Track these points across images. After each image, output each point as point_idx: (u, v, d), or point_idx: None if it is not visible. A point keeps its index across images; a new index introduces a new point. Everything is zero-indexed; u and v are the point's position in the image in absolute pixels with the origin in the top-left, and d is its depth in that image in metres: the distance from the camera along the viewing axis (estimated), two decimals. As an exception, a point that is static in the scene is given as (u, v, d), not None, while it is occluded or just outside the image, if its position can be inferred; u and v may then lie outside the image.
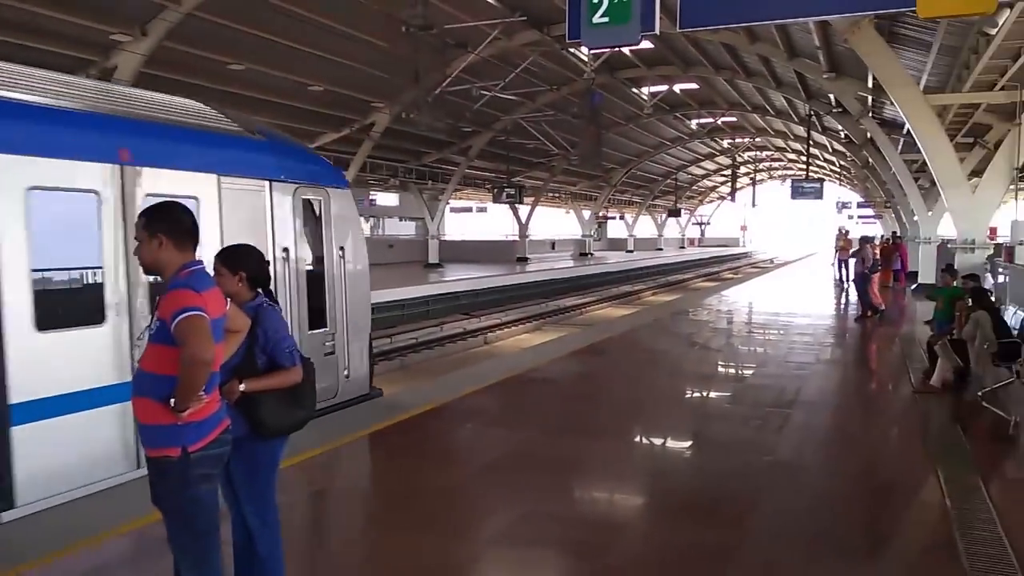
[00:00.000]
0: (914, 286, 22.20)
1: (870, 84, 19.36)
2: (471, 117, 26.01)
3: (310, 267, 7.62)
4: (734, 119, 38.07)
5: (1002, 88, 15.63)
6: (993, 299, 10.54)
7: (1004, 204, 19.74)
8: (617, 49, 19.61)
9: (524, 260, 42.83)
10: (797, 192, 28.30)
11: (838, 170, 50.65)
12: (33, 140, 5.13)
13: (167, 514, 3.01)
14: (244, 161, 6.91)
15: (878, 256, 17.37)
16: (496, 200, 34.66)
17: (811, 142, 33.06)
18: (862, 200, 55.01)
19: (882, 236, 43.58)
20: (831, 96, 24.22)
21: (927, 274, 20.89)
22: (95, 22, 14.98)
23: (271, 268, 5.72)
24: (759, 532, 4.66)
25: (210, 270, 3.26)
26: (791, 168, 56.52)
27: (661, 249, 65.69)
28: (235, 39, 17.27)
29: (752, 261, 68.21)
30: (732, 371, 10.59)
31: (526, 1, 18.63)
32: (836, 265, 25.41)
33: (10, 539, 4.46)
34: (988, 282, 13.27)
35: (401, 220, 49.05)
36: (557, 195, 49.06)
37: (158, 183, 5.81)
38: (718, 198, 73.37)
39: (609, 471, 6.01)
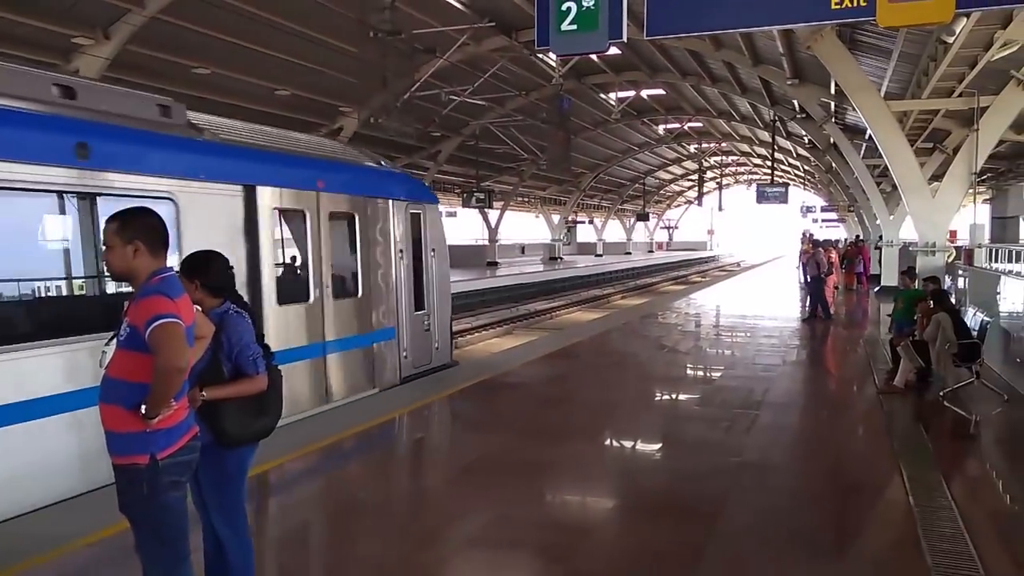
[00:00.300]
0: (876, 288, 22.62)
1: (833, 90, 19.73)
2: (440, 122, 25.93)
3: (414, 264, 9.81)
4: (700, 124, 38.52)
5: (960, 95, 16.01)
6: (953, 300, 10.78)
7: (963, 208, 20.19)
8: (585, 55, 19.72)
9: (494, 264, 42.93)
10: (762, 196, 28.59)
11: (802, 174, 51.41)
12: (281, 177, 7.58)
13: (135, 522, 2.96)
14: (379, 186, 9.31)
15: (833, 259, 17.64)
16: (466, 205, 34.67)
17: (776, 147, 33.53)
18: (826, 204, 55.80)
19: (845, 239, 44.45)
20: (795, 102, 24.61)
21: (889, 276, 21.25)
22: (55, 25, 14.70)
23: (389, 268, 9.18)
24: (729, 532, 4.71)
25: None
26: (757, 173, 57.27)
27: (630, 253, 66.23)
28: (201, 43, 17.07)
29: (719, 265, 69.00)
30: (701, 373, 10.69)
31: (495, 7, 18.63)
32: (801, 269, 25.75)
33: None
34: (947, 284, 13.54)
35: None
36: (527, 200, 49.19)
37: (338, 204, 8.37)
38: (685, 202, 74.15)
39: (581, 473, 6.03)
